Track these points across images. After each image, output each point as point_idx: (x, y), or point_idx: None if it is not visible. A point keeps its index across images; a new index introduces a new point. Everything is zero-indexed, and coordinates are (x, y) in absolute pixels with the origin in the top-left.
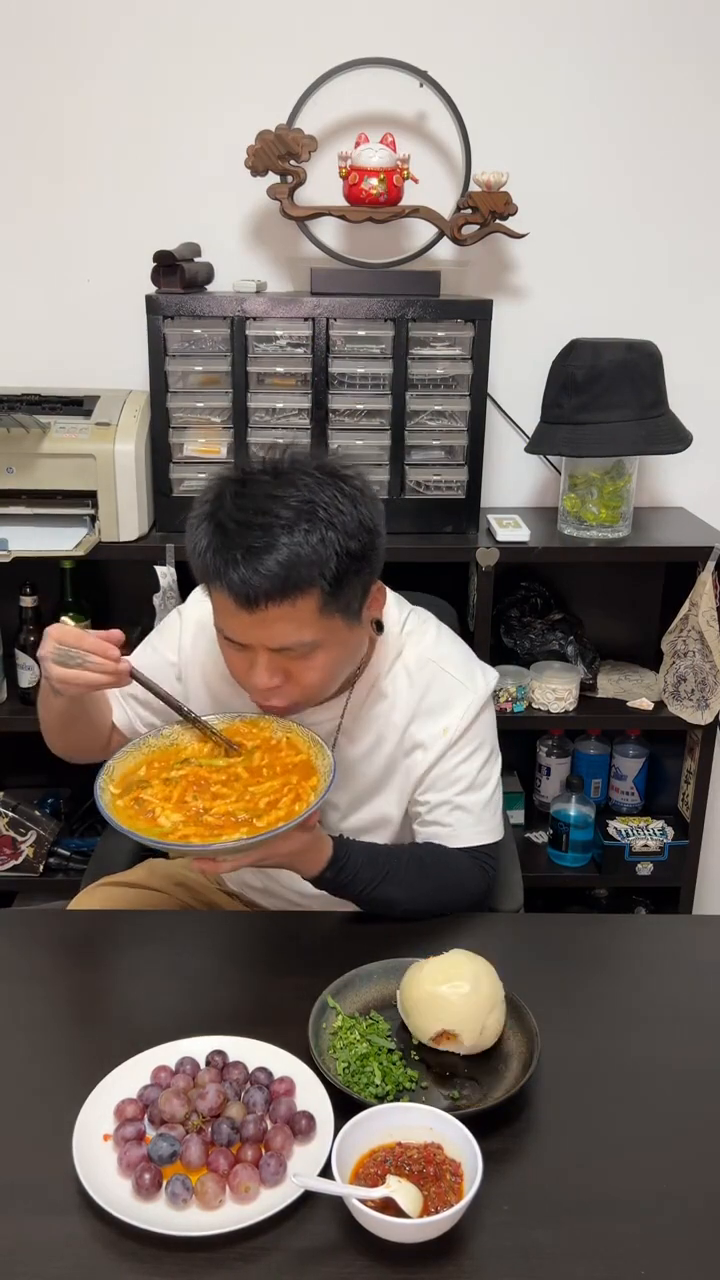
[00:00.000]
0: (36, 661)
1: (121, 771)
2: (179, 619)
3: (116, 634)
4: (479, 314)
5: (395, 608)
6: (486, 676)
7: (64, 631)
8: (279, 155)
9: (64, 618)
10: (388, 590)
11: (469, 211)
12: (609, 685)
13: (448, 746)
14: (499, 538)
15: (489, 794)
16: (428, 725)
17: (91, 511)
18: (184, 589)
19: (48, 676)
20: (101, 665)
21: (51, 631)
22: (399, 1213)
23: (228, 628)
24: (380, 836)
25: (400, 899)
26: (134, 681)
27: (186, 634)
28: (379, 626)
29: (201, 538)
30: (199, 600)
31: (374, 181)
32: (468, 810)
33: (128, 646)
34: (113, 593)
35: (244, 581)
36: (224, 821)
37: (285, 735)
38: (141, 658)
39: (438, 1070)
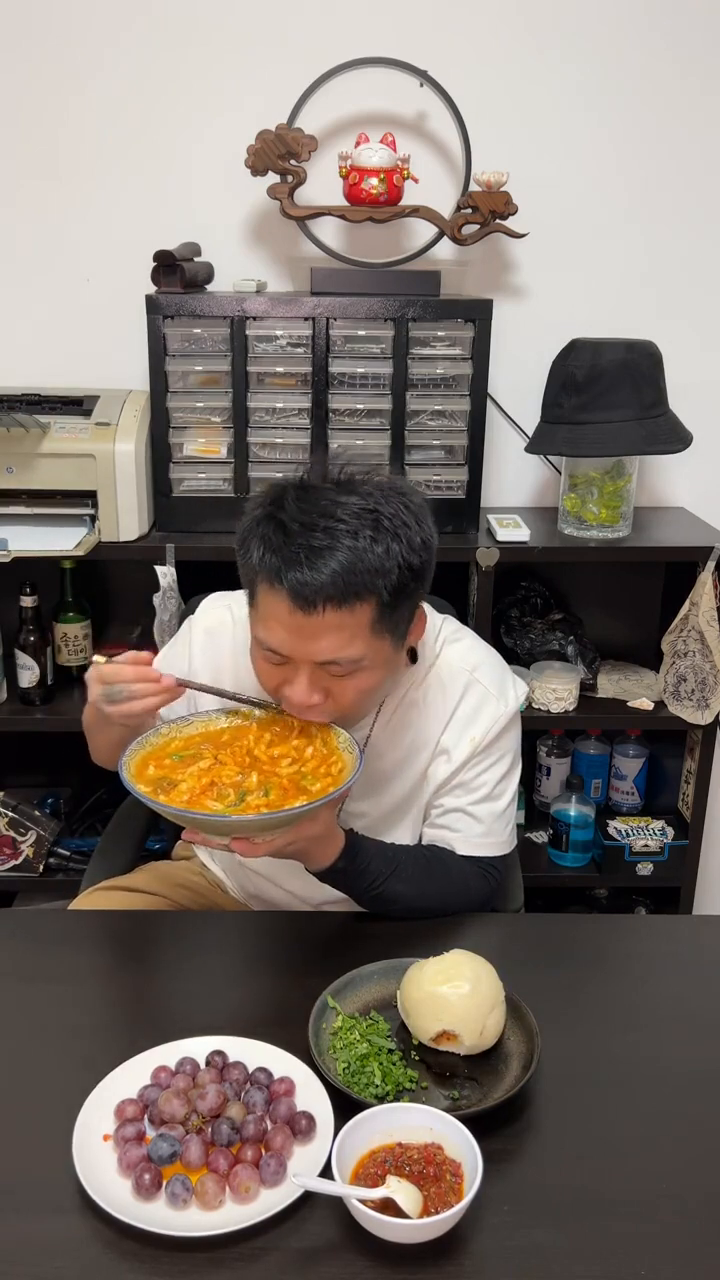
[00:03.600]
0: (36, 661)
1: (140, 764)
2: (189, 629)
3: (145, 655)
4: (479, 314)
5: (429, 615)
6: (517, 689)
7: (103, 671)
8: (279, 155)
9: (95, 657)
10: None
11: (469, 211)
12: (609, 685)
13: (472, 755)
14: (499, 538)
15: (503, 806)
16: (456, 733)
17: (91, 511)
18: (184, 589)
19: (106, 716)
20: (148, 690)
21: (92, 675)
22: (399, 1213)
23: (274, 638)
24: (400, 839)
25: (405, 896)
26: (186, 691)
27: (196, 643)
28: (413, 655)
29: (258, 538)
30: (207, 609)
31: (374, 181)
32: (479, 819)
33: (127, 647)
34: (113, 593)
35: (304, 582)
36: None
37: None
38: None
39: (438, 1070)
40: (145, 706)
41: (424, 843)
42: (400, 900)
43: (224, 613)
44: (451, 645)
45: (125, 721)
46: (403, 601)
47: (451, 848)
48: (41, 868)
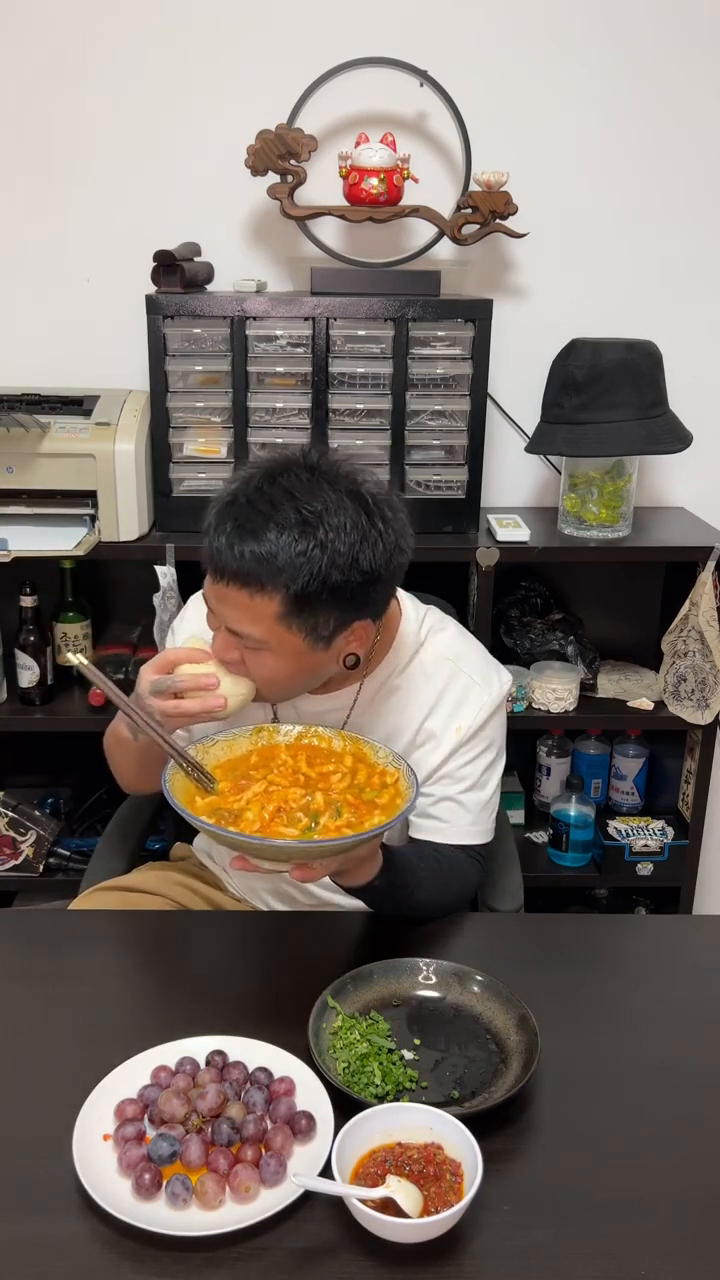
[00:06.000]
0: (36, 661)
1: (188, 793)
2: (198, 601)
3: (201, 660)
4: (479, 314)
5: (412, 607)
6: (502, 678)
7: (176, 656)
8: (279, 155)
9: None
10: (402, 592)
11: (469, 211)
12: (609, 685)
13: (458, 744)
14: (499, 538)
15: (489, 795)
16: (441, 721)
17: (91, 511)
18: (184, 589)
19: (151, 711)
20: (197, 699)
21: (145, 668)
22: (399, 1213)
23: (205, 589)
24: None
25: (424, 902)
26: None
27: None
28: (355, 662)
29: (216, 504)
30: None
31: (374, 181)
32: (467, 809)
33: (127, 647)
34: (113, 593)
35: (219, 551)
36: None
37: (352, 747)
38: (189, 630)
39: (438, 1070)
40: (188, 714)
41: (410, 833)
42: (419, 906)
43: None
44: (436, 635)
45: (169, 723)
46: (311, 608)
47: (439, 838)
48: (41, 868)
